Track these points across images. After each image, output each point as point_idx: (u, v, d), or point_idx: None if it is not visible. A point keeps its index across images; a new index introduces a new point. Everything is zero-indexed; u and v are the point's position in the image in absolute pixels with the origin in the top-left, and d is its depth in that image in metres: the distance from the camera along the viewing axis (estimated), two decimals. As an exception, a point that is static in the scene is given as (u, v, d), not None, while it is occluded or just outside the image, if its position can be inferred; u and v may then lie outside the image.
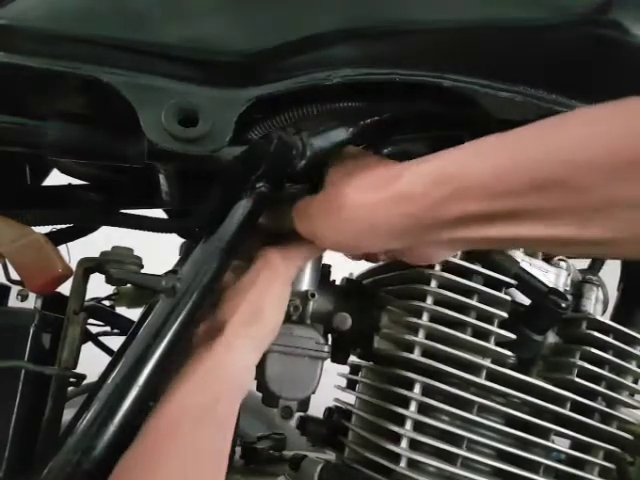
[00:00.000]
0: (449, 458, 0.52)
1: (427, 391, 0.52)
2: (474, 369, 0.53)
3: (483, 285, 0.53)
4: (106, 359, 0.45)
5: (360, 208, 0.43)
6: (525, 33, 0.43)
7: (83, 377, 0.49)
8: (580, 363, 0.55)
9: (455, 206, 0.39)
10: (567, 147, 0.35)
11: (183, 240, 0.67)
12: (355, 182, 0.44)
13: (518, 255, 0.57)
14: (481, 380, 0.52)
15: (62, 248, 0.59)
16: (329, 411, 0.65)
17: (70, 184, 0.66)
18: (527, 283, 0.55)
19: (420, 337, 0.52)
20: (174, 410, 0.42)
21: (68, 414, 0.45)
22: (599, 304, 0.62)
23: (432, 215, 0.40)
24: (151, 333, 0.43)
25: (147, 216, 0.62)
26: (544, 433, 0.55)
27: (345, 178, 0.45)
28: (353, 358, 0.65)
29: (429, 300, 0.52)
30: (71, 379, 0.49)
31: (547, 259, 0.61)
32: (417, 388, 0.52)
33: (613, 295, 0.66)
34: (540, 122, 0.37)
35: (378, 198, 0.42)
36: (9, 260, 0.47)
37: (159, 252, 0.76)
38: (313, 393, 0.54)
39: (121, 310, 0.68)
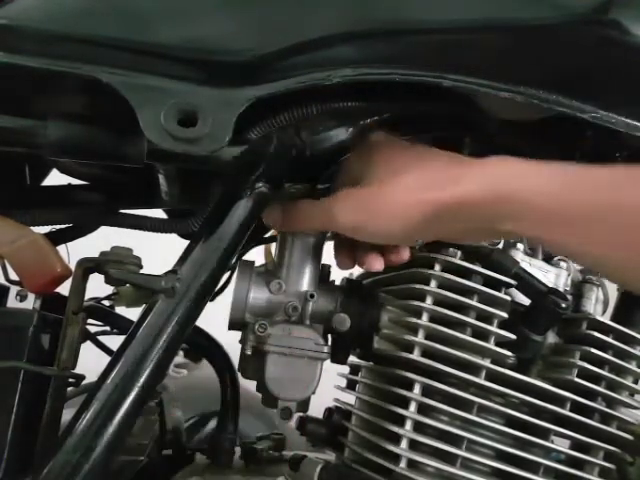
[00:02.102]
0: (449, 458, 0.52)
1: (427, 391, 0.52)
2: (474, 369, 0.53)
3: (483, 285, 0.53)
4: (106, 359, 0.45)
5: (413, 208, 0.44)
6: (525, 33, 0.43)
7: (82, 377, 0.49)
8: (580, 363, 0.55)
9: (509, 224, 0.41)
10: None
11: (183, 240, 0.67)
12: (408, 181, 0.45)
13: (518, 255, 0.57)
14: (481, 380, 0.52)
15: (62, 248, 0.59)
16: (329, 411, 0.65)
17: (70, 184, 0.66)
18: (527, 283, 0.55)
19: (420, 337, 0.52)
20: None
21: (68, 414, 0.45)
22: (599, 304, 0.62)
23: (484, 225, 0.43)
24: (151, 333, 0.43)
25: (147, 216, 0.62)
26: (544, 433, 0.55)
27: (396, 176, 0.45)
28: (353, 358, 0.65)
29: (429, 300, 0.52)
30: (70, 379, 0.49)
31: (547, 259, 0.61)
32: (417, 388, 0.52)
33: (613, 295, 0.66)
34: (616, 169, 0.40)
35: (433, 200, 0.43)
36: (8, 260, 0.47)
37: (159, 252, 0.76)
38: (313, 394, 0.54)
39: (121, 310, 0.68)
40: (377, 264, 0.52)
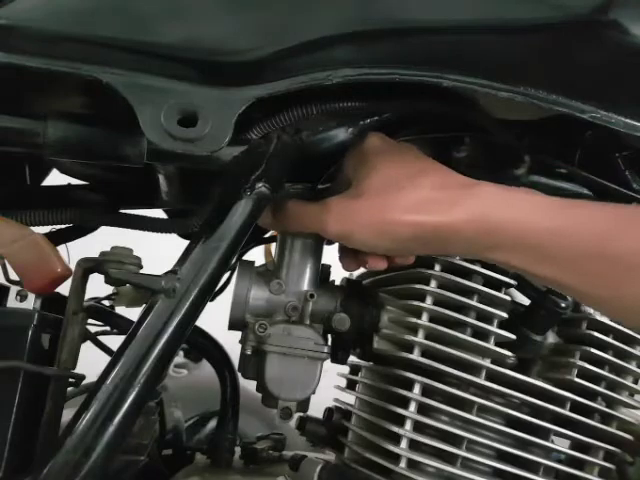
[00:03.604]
0: (449, 458, 0.52)
1: (427, 391, 0.52)
2: (474, 369, 0.53)
3: (483, 285, 0.53)
4: (106, 359, 0.45)
5: (403, 227, 0.44)
6: (525, 33, 0.43)
7: (82, 377, 0.49)
8: (580, 363, 0.55)
9: (498, 253, 0.43)
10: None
11: (183, 240, 0.67)
12: (400, 200, 0.45)
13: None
14: (481, 380, 0.52)
15: (62, 248, 0.59)
16: (329, 411, 0.65)
17: (70, 184, 0.66)
18: (527, 283, 0.55)
19: (420, 337, 0.52)
20: None
21: (68, 414, 0.45)
22: (599, 304, 0.62)
23: (472, 252, 0.44)
24: (151, 333, 0.43)
25: (147, 216, 0.62)
26: (544, 433, 0.55)
27: (387, 191, 0.45)
28: (353, 358, 0.65)
29: (429, 300, 0.52)
30: (70, 379, 0.49)
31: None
32: (417, 388, 0.52)
33: (613, 295, 0.66)
34: (607, 209, 0.42)
35: (423, 223, 0.43)
36: (8, 260, 0.47)
37: (159, 252, 0.76)
38: (313, 394, 0.54)
39: (121, 310, 0.68)
40: (381, 264, 0.52)
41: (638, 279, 0.39)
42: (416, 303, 0.53)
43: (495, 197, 0.43)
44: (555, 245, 0.41)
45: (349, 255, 0.54)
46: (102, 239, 0.64)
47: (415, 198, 0.44)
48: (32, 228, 0.49)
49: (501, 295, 0.53)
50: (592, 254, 0.40)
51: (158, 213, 0.67)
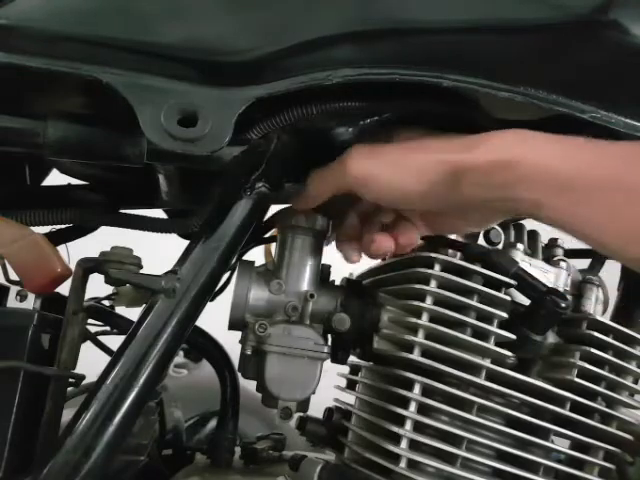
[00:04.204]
0: (449, 458, 0.52)
1: (427, 391, 0.52)
2: (474, 369, 0.53)
3: (483, 285, 0.53)
4: (106, 359, 0.46)
5: (431, 166, 0.45)
6: (525, 33, 0.43)
7: (82, 377, 0.49)
8: (580, 363, 0.55)
9: (518, 188, 0.42)
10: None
11: (183, 240, 0.67)
12: (428, 143, 0.46)
13: (518, 255, 0.57)
14: (481, 380, 0.52)
15: (62, 248, 0.59)
16: (329, 411, 0.65)
17: (70, 184, 0.66)
18: (527, 283, 0.55)
19: (420, 337, 0.52)
20: None
21: (68, 414, 0.45)
22: (599, 304, 0.62)
23: (498, 194, 0.43)
24: (151, 333, 0.43)
25: (147, 216, 0.62)
26: (544, 433, 0.55)
27: (423, 138, 0.47)
28: (353, 358, 0.65)
29: (429, 300, 0.52)
30: (70, 379, 0.49)
31: (547, 259, 0.61)
32: (417, 388, 0.52)
33: (613, 295, 0.66)
34: (622, 145, 0.42)
35: (451, 161, 0.44)
36: (8, 260, 0.47)
37: (159, 252, 0.76)
38: (313, 394, 0.54)
39: (121, 310, 0.68)
40: (387, 243, 0.51)
41: None
42: (416, 303, 0.53)
43: (516, 136, 0.43)
44: (572, 176, 0.41)
45: (349, 241, 0.54)
46: (102, 239, 0.64)
47: (439, 142, 0.46)
48: (32, 228, 0.49)
49: (501, 295, 0.53)
50: (609, 186, 0.40)
51: (158, 213, 0.67)
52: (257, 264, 0.58)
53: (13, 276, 0.48)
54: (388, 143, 0.48)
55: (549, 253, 0.61)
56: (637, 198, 0.39)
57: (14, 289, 0.50)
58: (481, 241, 0.57)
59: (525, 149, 0.42)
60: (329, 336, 0.57)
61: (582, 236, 0.43)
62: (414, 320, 0.52)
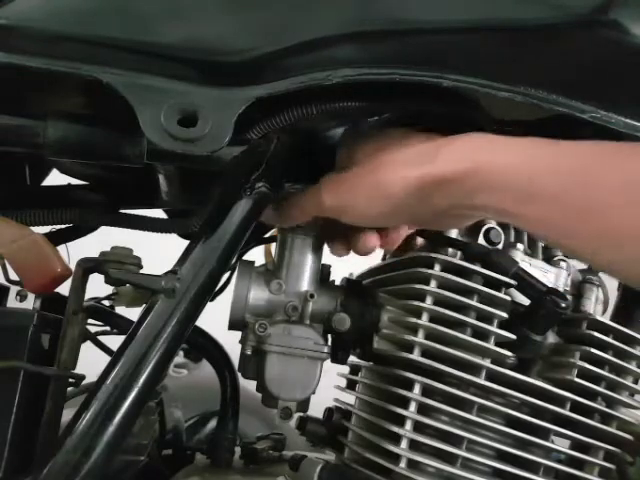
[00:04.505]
0: (449, 458, 0.52)
1: (427, 391, 0.52)
2: (474, 369, 0.53)
3: (483, 285, 0.53)
4: (106, 359, 0.45)
5: (395, 184, 0.44)
6: (525, 33, 0.43)
7: (82, 377, 0.49)
8: (580, 363, 0.55)
9: (480, 196, 0.42)
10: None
11: (183, 240, 0.67)
12: (388, 159, 0.45)
13: (518, 255, 0.57)
14: (481, 380, 0.52)
15: (62, 248, 0.59)
16: (329, 411, 0.65)
17: (70, 184, 0.66)
18: (527, 283, 0.54)
19: (420, 337, 0.52)
20: None
21: (68, 414, 0.45)
22: (599, 304, 0.62)
23: (462, 202, 0.43)
24: (151, 333, 0.43)
25: (147, 216, 0.62)
26: (544, 433, 0.55)
27: (377, 155, 0.46)
28: (353, 358, 0.65)
29: (429, 300, 0.52)
30: (70, 379, 0.49)
31: (547, 259, 0.61)
32: (417, 388, 0.52)
33: (613, 295, 0.66)
34: (583, 146, 0.40)
35: (413, 176, 0.44)
36: (8, 260, 0.47)
37: (159, 252, 0.76)
38: (313, 394, 0.54)
39: (121, 310, 0.68)
40: (373, 241, 0.52)
41: (622, 210, 0.37)
42: (416, 303, 0.53)
43: (476, 142, 0.43)
44: (537, 182, 0.39)
45: (338, 238, 0.54)
46: (102, 239, 0.64)
47: (403, 156, 0.45)
48: (32, 228, 0.49)
49: (501, 295, 0.53)
50: (575, 188, 0.38)
51: (158, 213, 0.67)
52: (257, 264, 0.58)
53: (13, 276, 0.48)
54: (353, 166, 0.48)
55: (549, 253, 0.61)
56: (601, 200, 0.38)
57: (14, 289, 0.50)
58: (481, 241, 0.57)
59: (484, 155, 0.42)
60: (329, 336, 0.57)
61: (552, 242, 0.42)
62: (414, 320, 0.52)
